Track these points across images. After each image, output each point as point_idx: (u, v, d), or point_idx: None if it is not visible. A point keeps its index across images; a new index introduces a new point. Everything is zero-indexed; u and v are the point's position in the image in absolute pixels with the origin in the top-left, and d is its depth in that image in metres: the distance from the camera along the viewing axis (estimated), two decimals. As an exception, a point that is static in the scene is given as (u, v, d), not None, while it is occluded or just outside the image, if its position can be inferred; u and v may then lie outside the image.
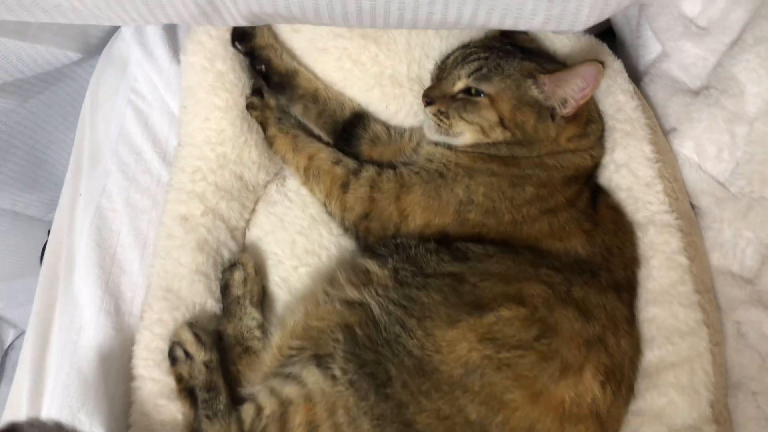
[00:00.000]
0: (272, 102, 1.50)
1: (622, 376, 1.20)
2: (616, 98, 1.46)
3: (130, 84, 1.63)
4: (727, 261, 1.42)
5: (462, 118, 1.34)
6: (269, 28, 1.51)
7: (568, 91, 1.30)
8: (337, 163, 1.39)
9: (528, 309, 1.16)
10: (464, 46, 1.46)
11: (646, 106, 1.49)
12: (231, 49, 1.46)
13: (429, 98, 1.38)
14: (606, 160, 1.43)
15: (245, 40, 1.48)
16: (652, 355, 1.29)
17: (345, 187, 1.37)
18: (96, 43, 1.76)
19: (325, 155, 1.40)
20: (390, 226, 1.34)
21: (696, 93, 1.48)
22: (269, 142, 1.46)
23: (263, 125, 1.46)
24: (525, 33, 1.49)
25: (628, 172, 1.40)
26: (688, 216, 1.42)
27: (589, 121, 1.40)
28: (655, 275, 1.34)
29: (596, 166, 1.41)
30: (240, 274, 1.37)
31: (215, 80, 1.42)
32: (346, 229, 1.41)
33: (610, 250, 1.31)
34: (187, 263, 1.37)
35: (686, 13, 1.54)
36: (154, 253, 1.39)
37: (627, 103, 1.45)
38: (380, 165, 1.42)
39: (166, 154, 1.55)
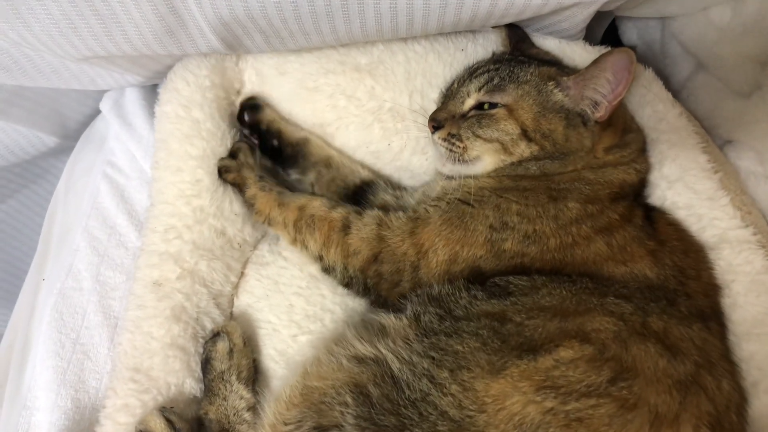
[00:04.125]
0: (250, 160, 1.32)
1: (731, 431, 0.90)
2: (654, 108, 1.26)
3: (107, 158, 1.50)
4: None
5: (478, 136, 1.14)
6: (270, 106, 1.38)
7: (599, 90, 1.11)
8: (333, 208, 1.19)
9: (595, 346, 0.90)
10: (470, 66, 1.29)
11: (689, 115, 1.29)
12: (209, 96, 1.30)
13: (436, 122, 1.19)
14: (654, 176, 1.21)
15: (253, 113, 1.36)
16: (760, 404, 0.99)
17: (346, 229, 1.16)
18: (75, 128, 1.65)
19: (318, 203, 1.20)
20: (406, 267, 1.10)
21: (747, 95, 1.28)
22: (249, 204, 1.26)
23: (240, 186, 1.28)
24: (536, 47, 1.32)
25: (684, 187, 1.17)
26: (766, 230, 1.16)
27: (626, 129, 1.19)
28: (741, 302, 1.08)
29: (643, 182, 1.19)
30: (224, 345, 1.12)
31: (191, 129, 1.27)
32: (350, 282, 1.17)
33: (684, 272, 1.06)
34: (160, 336, 1.12)
35: (716, 22, 1.39)
36: (122, 328, 1.15)
37: (668, 111, 1.26)
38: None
39: (144, 226, 1.36)
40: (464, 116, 1.18)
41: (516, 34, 1.32)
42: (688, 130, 1.24)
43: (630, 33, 1.66)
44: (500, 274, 1.05)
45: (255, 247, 1.33)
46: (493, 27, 1.35)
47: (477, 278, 1.06)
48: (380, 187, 1.33)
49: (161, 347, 1.11)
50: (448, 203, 1.13)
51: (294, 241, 1.21)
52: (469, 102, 1.18)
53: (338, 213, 1.18)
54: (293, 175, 1.36)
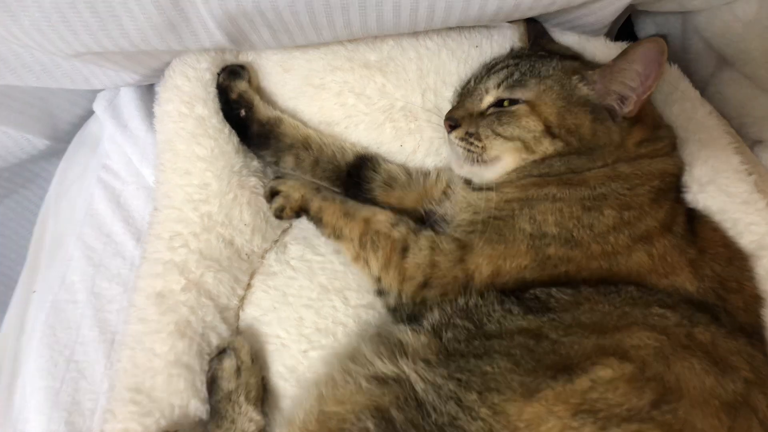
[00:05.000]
0: (295, 182, 1.23)
1: (783, 458, 0.83)
2: (682, 106, 1.19)
3: (101, 161, 1.41)
4: None
5: (498, 134, 1.07)
6: (254, 71, 1.29)
7: (628, 83, 1.04)
8: (396, 224, 1.11)
9: (635, 364, 0.83)
10: (487, 63, 1.22)
11: (719, 114, 1.22)
12: (213, 90, 1.22)
13: (453, 120, 1.12)
14: (685, 179, 1.13)
15: (229, 78, 1.25)
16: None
17: (404, 252, 1.07)
18: (66, 130, 1.57)
19: (383, 217, 1.12)
20: (454, 289, 1.03)
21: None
22: (317, 220, 1.18)
23: (304, 209, 1.20)
24: (556, 42, 1.25)
25: (716, 189, 1.10)
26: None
27: (656, 125, 1.12)
28: (782, 313, 1.00)
29: (680, 176, 1.11)
30: (231, 363, 1.04)
31: (196, 126, 1.19)
32: (398, 308, 1.08)
33: (725, 284, 0.99)
34: (163, 353, 1.05)
35: (741, 16, 1.32)
36: (121, 344, 1.07)
37: (697, 109, 1.19)
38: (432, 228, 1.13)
39: (142, 234, 1.30)
40: (482, 114, 1.11)
41: (535, 29, 1.25)
42: (718, 129, 1.17)
43: (647, 28, 1.59)
44: (544, 284, 0.98)
45: (263, 258, 1.25)
46: (510, 22, 1.28)
47: (523, 288, 0.98)
48: (382, 159, 1.25)
49: (165, 365, 1.03)
50: (483, 223, 1.06)
51: (357, 258, 1.12)
52: (488, 99, 1.11)
53: (399, 232, 1.09)
54: (267, 158, 1.27)
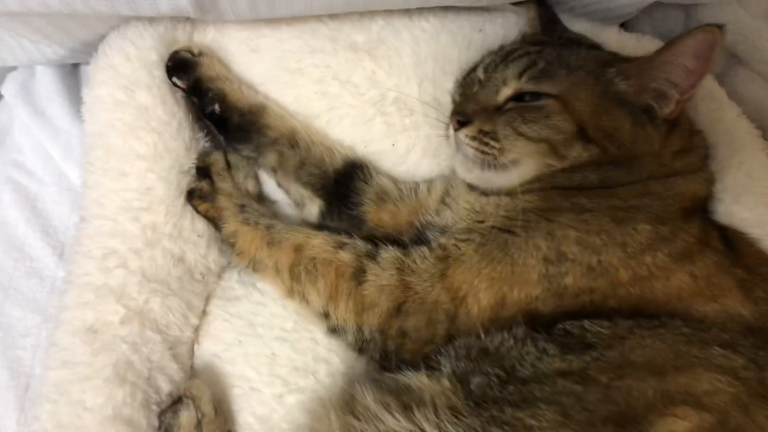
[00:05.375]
0: (226, 186, 1.03)
1: None
2: (708, 107, 1.06)
3: (11, 157, 1.21)
4: None
5: (521, 134, 0.90)
6: (217, 57, 1.06)
7: (672, 80, 0.90)
8: (340, 247, 0.94)
9: (713, 414, 0.69)
10: (498, 50, 1.04)
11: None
12: (159, 75, 1.00)
13: (463, 116, 0.94)
14: (716, 188, 1.00)
15: (186, 71, 1.03)
16: None
17: (359, 275, 0.90)
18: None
19: (319, 241, 0.94)
20: (439, 318, 0.86)
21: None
22: (230, 243, 0.99)
23: (216, 221, 1.01)
24: (569, 30, 1.10)
25: (753, 200, 0.98)
26: None
27: (692, 132, 0.98)
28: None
29: (711, 197, 0.98)
30: (190, 416, 0.84)
31: (136, 118, 0.98)
32: (365, 346, 0.91)
33: (783, 308, 0.85)
34: (97, 406, 0.84)
35: (752, 10, 1.23)
36: (40, 395, 0.83)
37: (725, 111, 1.07)
38: (401, 244, 0.96)
39: (66, 248, 1.09)
40: (499, 109, 0.94)
41: (546, 13, 1.09)
42: (750, 132, 1.05)
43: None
44: (566, 316, 0.82)
45: (220, 277, 1.03)
46: (515, 4, 1.12)
47: (534, 322, 0.81)
48: (374, 170, 1.07)
49: (99, 422, 0.81)
50: (482, 234, 0.89)
51: (290, 293, 0.94)
52: (506, 91, 0.94)
53: (347, 254, 0.92)
54: (245, 152, 1.07)
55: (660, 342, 0.76)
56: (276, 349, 0.95)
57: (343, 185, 1.04)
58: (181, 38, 1.06)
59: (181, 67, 1.03)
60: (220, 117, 1.04)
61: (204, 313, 1.00)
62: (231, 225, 0.98)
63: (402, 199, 1.05)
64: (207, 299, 1.02)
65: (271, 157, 1.05)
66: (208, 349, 0.97)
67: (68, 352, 0.86)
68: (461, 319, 0.85)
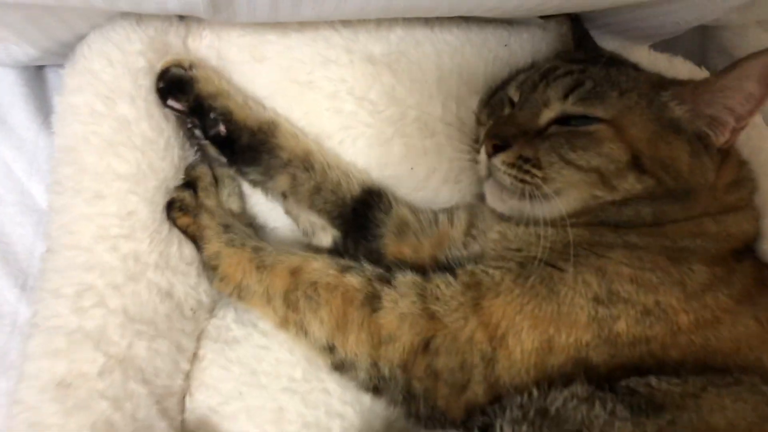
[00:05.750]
0: (211, 203, 0.92)
1: None
2: (746, 135, 0.98)
3: None
4: None
5: (568, 162, 0.81)
6: (211, 68, 0.94)
7: (730, 106, 0.81)
8: (345, 270, 0.83)
9: None
10: (530, 68, 0.95)
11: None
12: (145, 83, 0.88)
13: (500, 139, 0.84)
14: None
15: (183, 91, 0.90)
16: None
17: (373, 301, 0.79)
18: None
19: (320, 264, 0.84)
20: (475, 360, 0.75)
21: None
22: (212, 266, 0.88)
23: (197, 240, 0.90)
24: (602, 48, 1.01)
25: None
26: None
27: (740, 161, 0.90)
28: None
29: (758, 235, 0.90)
30: None
31: (116, 132, 0.86)
32: (382, 385, 0.79)
33: None
34: None
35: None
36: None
37: (765, 140, 0.99)
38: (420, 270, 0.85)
39: (29, 278, 0.97)
40: (540, 133, 0.84)
41: (580, 29, 1.00)
42: (792, 165, 0.98)
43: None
44: (624, 370, 0.72)
45: (213, 314, 0.90)
46: (543, 18, 1.03)
47: (589, 377, 0.71)
48: (393, 198, 0.96)
49: None
50: (521, 264, 0.79)
51: (285, 323, 0.83)
52: (548, 114, 0.85)
53: (355, 278, 0.81)
54: (253, 176, 0.95)
55: (741, 402, 0.67)
56: (283, 402, 0.83)
57: (361, 214, 0.93)
58: (174, 43, 0.93)
59: (177, 87, 0.90)
60: (226, 138, 0.91)
61: (196, 357, 0.87)
62: (214, 245, 0.87)
63: (423, 231, 0.94)
64: (198, 339, 0.89)
65: (282, 181, 0.93)
66: (203, 401, 0.84)
67: (35, 412, 0.72)
68: (502, 363, 0.75)
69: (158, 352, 0.81)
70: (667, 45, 1.30)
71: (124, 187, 0.84)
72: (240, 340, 0.87)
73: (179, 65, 0.90)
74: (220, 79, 0.93)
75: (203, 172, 0.94)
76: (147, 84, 0.89)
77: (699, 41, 1.33)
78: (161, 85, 0.89)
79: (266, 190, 0.95)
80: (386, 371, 0.78)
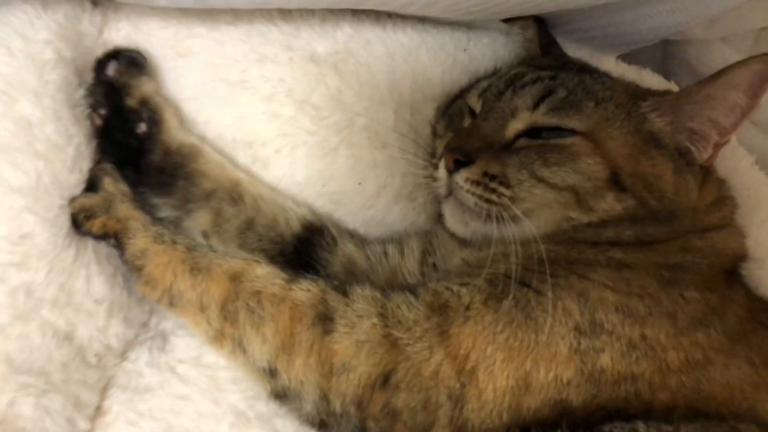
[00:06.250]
0: (122, 187, 0.79)
1: None
2: (721, 154, 0.92)
3: None
4: None
5: (540, 179, 0.72)
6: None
7: (715, 118, 0.74)
8: (293, 280, 0.70)
9: None
10: (493, 74, 0.86)
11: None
12: (53, 78, 0.75)
13: (463, 152, 0.74)
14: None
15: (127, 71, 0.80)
16: None
17: (326, 322, 0.67)
18: None
19: (265, 271, 0.71)
20: (440, 400, 0.64)
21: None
22: (136, 267, 0.73)
23: (119, 236, 0.75)
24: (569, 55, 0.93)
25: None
26: None
27: (720, 179, 0.84)
28: None
29: (746, 255, 0.82)
30: None
31: (14, 135, 0.72)
32: (330, 421, 0.67)
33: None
34: None
35: (741, 49, 1.14)
36: None
37: (740, 161, 0.95)
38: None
39: None
40: (507, 147, 0.74)
41: (546, 34, 0.92)
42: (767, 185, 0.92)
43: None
44: (603, 412, 0.63)
45: (123, 357, 0.75)
46: (506, 21, 0.94)
47: (568, 424, 0.62)
48: (337, 234, 0.84)
49: None
50: (491, 282, 0.68)
51: (220, 338, 0.70)
52: (516, 125, 0.76)
53: (306, 291, 0.69)
54: (165, 212, 0.81)
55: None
56: (206, 462, 0.69)
57: (304, 253, 0.81)
58: (89, 32, 0.82)
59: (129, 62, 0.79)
60: (138, 144, 0.78)
61: (99, 411, 0.73)
62: (139, 241, 0.74)
63: (372, 269, 0.83)
64: (103, 390, 0.74)
65: (202, 218, 0.81)
66: (107, 466, 0.69)
67: None
68: (471, 404, 0.64)
69: (48, 410, 0.67)
70: (630, 58, 1.24)
71: (18, 204, 0.70)
72: (154, 388, 0.74)
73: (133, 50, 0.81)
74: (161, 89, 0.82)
75: (107, 165, 0.80)
76: (55, 79, 0.75)
77: (661, 56, 1.28)
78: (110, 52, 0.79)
79: (182, 231, 0.80)
80: (337, 406, 0.66)
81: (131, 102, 0.79)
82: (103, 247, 0.75)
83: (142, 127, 0.78)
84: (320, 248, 0.83)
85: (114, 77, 0.79)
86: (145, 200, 0.80)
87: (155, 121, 0.79)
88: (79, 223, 0.74)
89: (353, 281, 0.78)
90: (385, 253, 0.84)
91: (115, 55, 0.80)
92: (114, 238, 0.76)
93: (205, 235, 0.81)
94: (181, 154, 0.80)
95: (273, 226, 0.82)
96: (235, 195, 0.81)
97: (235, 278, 0.70)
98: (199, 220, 0.81)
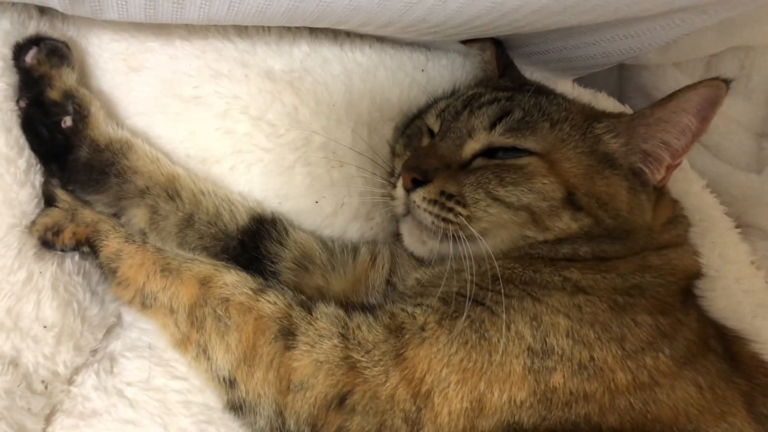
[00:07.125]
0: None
1: None
2: (673, 176, 0.93)
3: None
4: None
5: (496, 199, 0.72)
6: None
7: (667, 140, 0.75)
8: (261, 290, 0.70)
9: None
10: (451, 95, 0.86)
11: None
12: (1, 87, 0.72)
13: (420, 171, 0.74)
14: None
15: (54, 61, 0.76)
16: None
17: (288, 336, 0.67)
18: None
19: (233, 278, 0.71)
20: (395, 422, 0.64)
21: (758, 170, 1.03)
22: (110, 269, 0.74)
23: (93, 242, 0.75)
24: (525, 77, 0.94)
25: (735, 285, 0.86)
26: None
27: (674, 200, 0.85)
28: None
29: (700, 273, 0.83)
30: None
31: None
32: None
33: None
34: None
35: (692, 75, 1.18)
36: None
37: (691, 184, 0.96)
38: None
39: None
40: (464, 166, 0.74)
41: (504, 56, 0.92)
42: (717, 208, 0.96)
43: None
44: None
45: (70, 381, 0.72)
46: (465, 42, 0.94)
47: None
48: (286, 222, 0.82)
49: None
50: (444, 301, 0.68)
51: (185, 343, 0.70)
52: (473, 145, 0.76)
53: (272, 304, 0.69)
54: (98, 208, 0.78)
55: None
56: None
57: (251, 247, 0.78)
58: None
59: (50, 52, 0.75)
60: (63, 139, 0.74)
61: (44, 437, 0.69)
62: (113, 243, 0.74)
63: (333, 267, 0.81)
64: (49, 416, 0.70)
65: (138, 215, 0.78)
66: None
67: None
68: (427, 429, 0.63)
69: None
70: (585, 82, 1.27)
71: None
72: (100, 413, 0.71)
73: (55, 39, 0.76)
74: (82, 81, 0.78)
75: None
76: (3, 87, 0.72)
77: (617, 79, 1.31)
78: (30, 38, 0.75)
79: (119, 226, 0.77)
80: (291, 424, 0.65)
81: (53, 94, 0.75)
82: (51, 271, 0.72)
83: (68, 122, 0.75)
84: (270, 240, 0.81)
85: (32, 65, 0.74)
86: (79, 196, 0.77)
87: (81, 115, 0.75)
88: (50, 242, 0.73)
89: (307, 278, 0.79)
90: (355, 253, 0.83)
91: (36, 41, 0.75)
92: (86, 244, 0.74)
93: (143, 233, 0.78)
94: (111, 150, 0.77)
95: (215, 221, 0.79)
96: (171, 191, 0.78)
97: (205, 282, 0.70)
98: (135, 219, 0.78)
